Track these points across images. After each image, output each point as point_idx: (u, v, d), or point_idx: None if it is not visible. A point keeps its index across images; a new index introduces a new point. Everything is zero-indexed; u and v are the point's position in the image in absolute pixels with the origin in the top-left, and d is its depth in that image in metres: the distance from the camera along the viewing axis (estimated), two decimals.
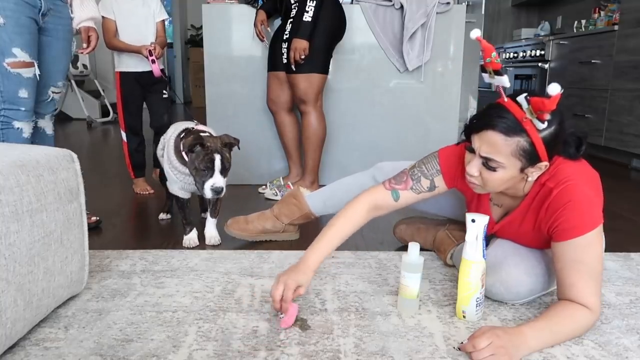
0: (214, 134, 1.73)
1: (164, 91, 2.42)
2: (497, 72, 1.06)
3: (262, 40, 2.53)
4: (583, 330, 1.11)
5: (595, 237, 1.11)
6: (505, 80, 1.06)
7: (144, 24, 2.39)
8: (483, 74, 1.10)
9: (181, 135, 1.68)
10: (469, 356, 1.02)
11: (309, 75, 2.32)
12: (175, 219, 2.06)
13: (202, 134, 1.63)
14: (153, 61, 2.29)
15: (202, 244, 1.77)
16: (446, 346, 1.09)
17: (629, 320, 1.23)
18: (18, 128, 1.59)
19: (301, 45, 2.22)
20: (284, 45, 2.33)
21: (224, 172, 1.59)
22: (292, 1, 2.30)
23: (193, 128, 1.71)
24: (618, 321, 1.23)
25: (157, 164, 2.12)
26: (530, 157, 1.07)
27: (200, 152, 1.56)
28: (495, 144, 1.06)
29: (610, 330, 1.18)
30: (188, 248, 1.72)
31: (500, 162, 1.08)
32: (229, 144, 1.63)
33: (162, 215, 2.08)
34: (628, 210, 2.31)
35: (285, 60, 2.33)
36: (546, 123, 1.03)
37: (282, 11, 2.39)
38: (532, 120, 1.03)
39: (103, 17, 2.26)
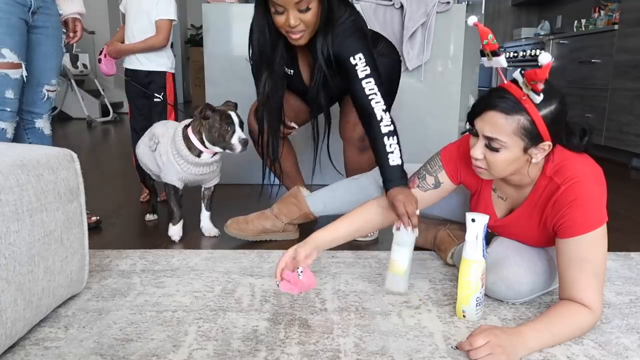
0: None
1: (156, 94, 2.31)
2: (494, 53, 1.10)
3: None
4: (583, 331, 1.11)
5: (601, 236, 1.11)
6: (502, 60, 1.11)
7: (138, 19, 2.19)
8: (482, 59, 1.14)
9: (188, 124, 1.73)
10: (467, 354, 1.02)
11: None
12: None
13: None
14: (99, 60, 2.19)
15: (201, 244, 1.77)
16: (446, 346, 1.10)
17: (629, 319, 1.23)
18: (2, 129, 1.59)
19: None
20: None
21: (242, 126, 1.71)
22: None
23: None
24: (618, 321, 1.23)
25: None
26: (532, 136, 1.08)
27: (216, 114, 1.66)
28: (496, 123, 1.08)
29: (610, 329, 1.18)
30: (188, 247, 1.72)
31: (502, 141, 1.09)
32: (234, 105, 1.77)
33: (149, 217, 2.05)
34: (628, 209, 2.31)
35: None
36: (542, 95, 1.03)
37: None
38: (529, 94, 1.04)
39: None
